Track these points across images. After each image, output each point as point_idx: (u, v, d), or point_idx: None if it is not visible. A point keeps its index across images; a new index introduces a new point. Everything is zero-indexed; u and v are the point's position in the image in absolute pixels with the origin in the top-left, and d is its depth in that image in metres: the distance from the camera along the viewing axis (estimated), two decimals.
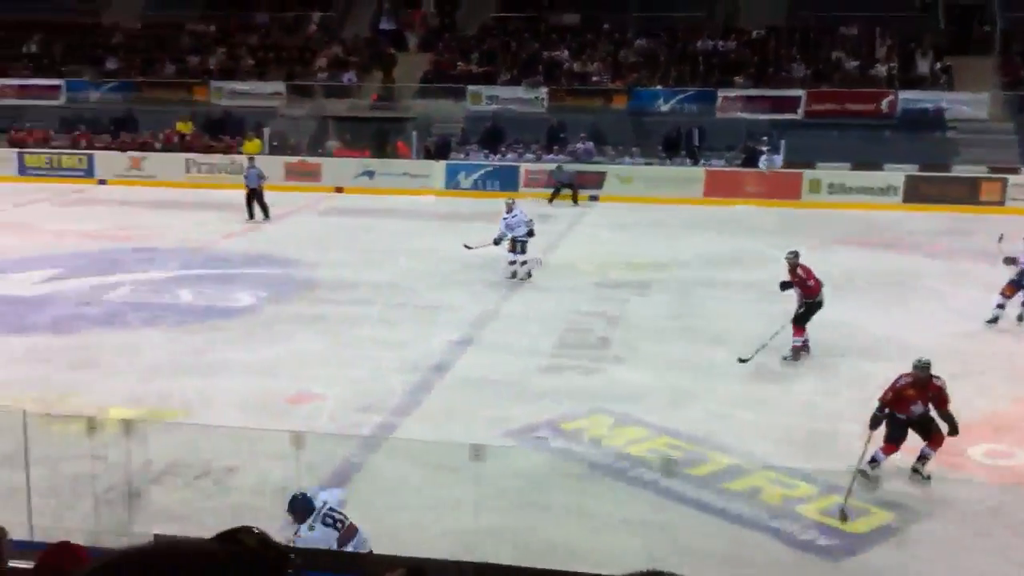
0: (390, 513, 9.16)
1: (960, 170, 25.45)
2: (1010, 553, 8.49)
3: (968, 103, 27.92)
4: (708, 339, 14.47)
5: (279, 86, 31.65)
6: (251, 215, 23.25)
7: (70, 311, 15.66)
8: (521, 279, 17.64)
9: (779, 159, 26.01)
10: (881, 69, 29.14)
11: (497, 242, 17.72)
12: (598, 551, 8.63)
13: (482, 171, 27.44)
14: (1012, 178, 24.88)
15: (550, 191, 25.93)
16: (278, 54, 33.16)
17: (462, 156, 28.61)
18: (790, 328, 13.42)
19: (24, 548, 6.04)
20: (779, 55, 30.38)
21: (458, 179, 27.42)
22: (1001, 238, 15.72)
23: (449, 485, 9.43)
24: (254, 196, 23.32)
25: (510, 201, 18.39)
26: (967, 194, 24.85)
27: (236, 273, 18.34)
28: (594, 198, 25.97)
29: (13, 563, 5.39)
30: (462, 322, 15.27)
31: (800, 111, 28.50)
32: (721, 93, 29.02)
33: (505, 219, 17.59)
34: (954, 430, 9.70)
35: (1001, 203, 24.56)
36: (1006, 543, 8.67)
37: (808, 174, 25.76)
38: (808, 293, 13.41)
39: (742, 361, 13.10)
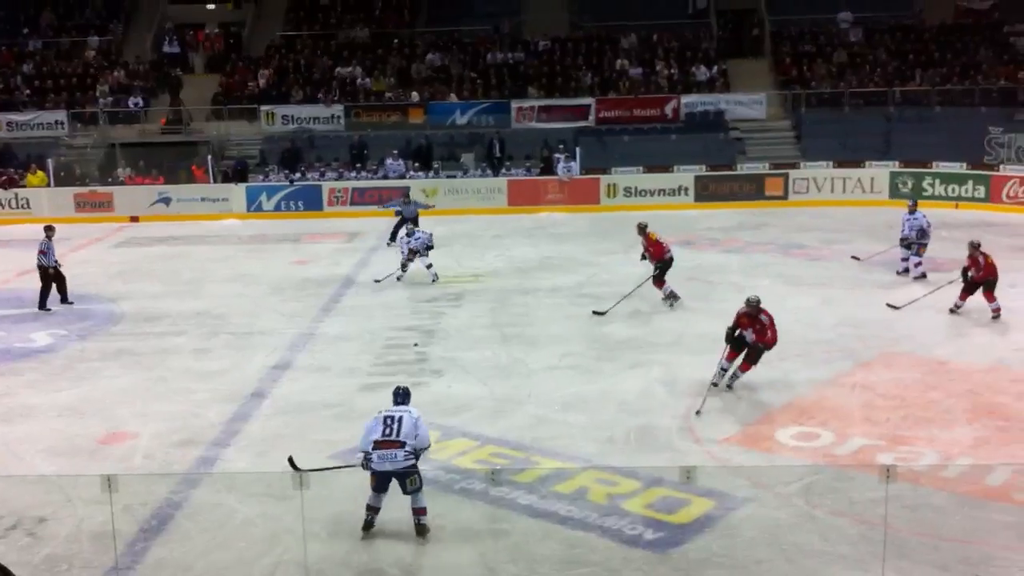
0: (217, 550, 8.91)
1: (745, 168, 26.81)
2: (829, 533, 9.00)
3: (746, 104, 29.49)
4: (526, 344, 14.74)
5: (60, 115, 30.18)
6: (45, 302, 17.53)
7: None
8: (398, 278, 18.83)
9: (576, 166, 26.72)
10: (663, 75, 30.37)
11: (404, 267, 18.87)
12: (436, 565, 8.65)
13: (284, 192, 26.97)
14: (793, 173, 26.40)
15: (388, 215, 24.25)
16: (56, 82, 31.62)
17: (261, 178, 28.03)
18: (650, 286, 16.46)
19: None
20: (566, 65, 31.22)
21: (260, 202, 26.86)
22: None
23: (277, 515, 9.25)
24: (55, 279, 17.64)
25: (411, 226, 19.53)
26: (754, 190, 26.24)
27: (31, 312, 17.37)
28: (400, 213, 25.92)
29: None
30: (278, 346, 15.00)
31: (591, 119, 29.39)
32: (515, 104, 29.58)
33: (408, 241, 18.87)
34: (766, 347, 12.55)
35: (785, 197, 26.05)
36: (827, 523, 9.18)
37: (605, 179, 26.59)
38: (657, 256, 16.48)
39: (598, 313, 15.78)
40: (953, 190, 24.47)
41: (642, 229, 16.90)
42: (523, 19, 33.52)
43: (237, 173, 28.07)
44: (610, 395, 12.58)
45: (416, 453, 8.98)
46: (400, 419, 9.01)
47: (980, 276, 15.35)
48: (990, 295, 15.37)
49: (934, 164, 25.49)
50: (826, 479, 10.03)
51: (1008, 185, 24.47)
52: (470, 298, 17.62)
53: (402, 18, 33.83)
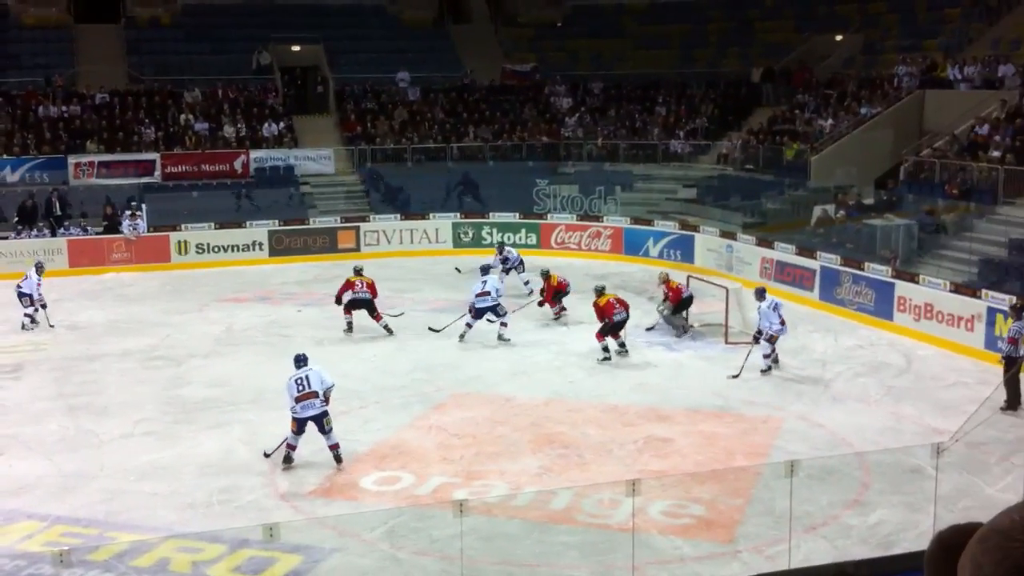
0: None
1: (318, 222, 27.18)
2: (413, 572, 9.39)
3: (315, 159, 30.01)
4: (95, 414, 13.95)
5: None
6: None
7: None
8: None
9: (143, 223, 25.66)
10: (230, 130, 30.15)
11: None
12: None
13: None
14: (363, 225, 27.15)
15: None
16: None
17: None
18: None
19: None
20: (127, 119, 30.05)
21: None
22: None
23: None
24: None
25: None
26: (327, 244, 26.62)
27: None
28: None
29: None
30: None
31: (157, 174, 28.48)
32: (72, 160, 27.98)
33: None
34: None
35: (357, 249, 26.65)
36: (411, 563, 9.56)
37: (175, 236, 25.77)
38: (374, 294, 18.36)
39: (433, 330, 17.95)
40: (509, 238, 26.32)
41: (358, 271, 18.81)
42: (77, 71, 31.87)
43: None
44: (189, 459, 12.26)
45: (326, 396, 11.97)
46: (307, 377, 11.95)
47: (548, 296, 18.92)
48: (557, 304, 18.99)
49: (491, 215, 27.37)
50: (408, 520, 10.45)
51: (555, 232, 26.86)
52: (30, 368, 16.37)
53: None
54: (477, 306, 17.54)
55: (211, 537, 9.95)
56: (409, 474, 11.77)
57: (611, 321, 16.05)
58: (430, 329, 18.05)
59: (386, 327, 18.13)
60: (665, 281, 18.13)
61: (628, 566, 9.04)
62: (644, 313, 18.47)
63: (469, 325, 17.59)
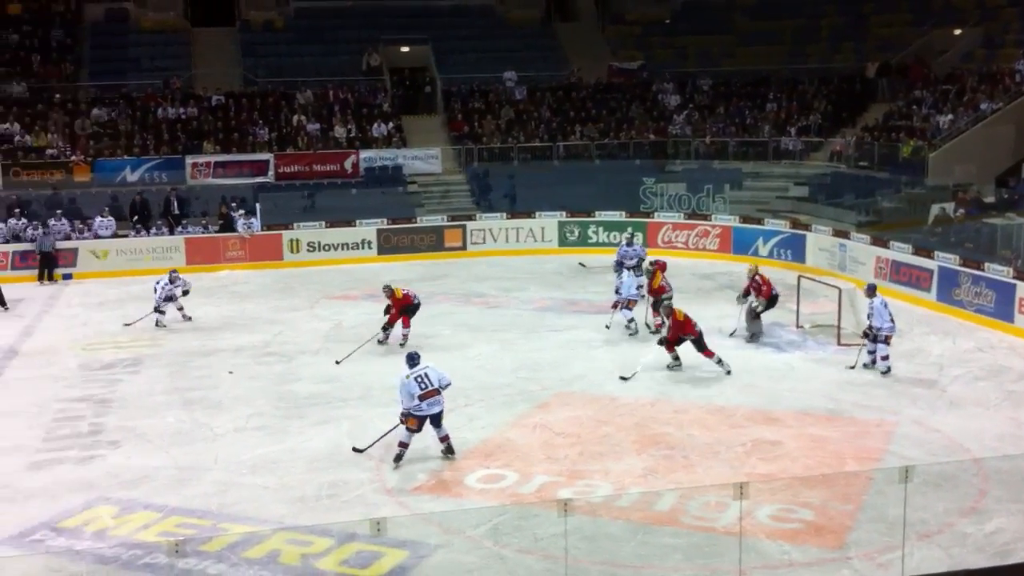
0: None
1: (425, 221, 27.46)
2: (517, 570, 9.38)
3: (422, 158, 30.35)
4: (210, 408, 14.33)
5: None
6: None
7: None
8: None
9: (257, 222, 26.31)
10: (340, 131, 30.68)
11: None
12: None
13: None
14: (470, 224, 27.34)
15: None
16: None
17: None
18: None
19: None
20: (241, 120, 30.83)
21: None
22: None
23: None
24: None
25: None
26: (434, 242, 26.90)
27: None
28: (68, 277, 24.48)
29: None
30: None
31: (270, 174, 29.15)
32: (190, 160, 28.82)
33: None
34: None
35: (463, 248, 26.91)
36: (515, 561, 9.56)
37: (287, 235, 26.33)
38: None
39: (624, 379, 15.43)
40: (615, 237, 26.12)
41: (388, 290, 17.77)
42: (194, 73, 32.84)
43: None
44: (299, 453, 12.48)
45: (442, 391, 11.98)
46: (427, 374, 11.80)
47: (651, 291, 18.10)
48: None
49: (596, 213, 27.28)
50: (512, 518, 10.44)
51: (662, 231, 26.63)
52: (148, 362, 16.89)
53: (62, 72, 32.12)
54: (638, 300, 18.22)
55: (320, 530, 10.11)
56: (513, 472, 11.79)
57: (695, 334, 15.58)
58: (628, 376, 15.74)
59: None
60: (756, 274, 17.64)
61: (734, 570, 8.90)
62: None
63: (633, 320, 17.87)
